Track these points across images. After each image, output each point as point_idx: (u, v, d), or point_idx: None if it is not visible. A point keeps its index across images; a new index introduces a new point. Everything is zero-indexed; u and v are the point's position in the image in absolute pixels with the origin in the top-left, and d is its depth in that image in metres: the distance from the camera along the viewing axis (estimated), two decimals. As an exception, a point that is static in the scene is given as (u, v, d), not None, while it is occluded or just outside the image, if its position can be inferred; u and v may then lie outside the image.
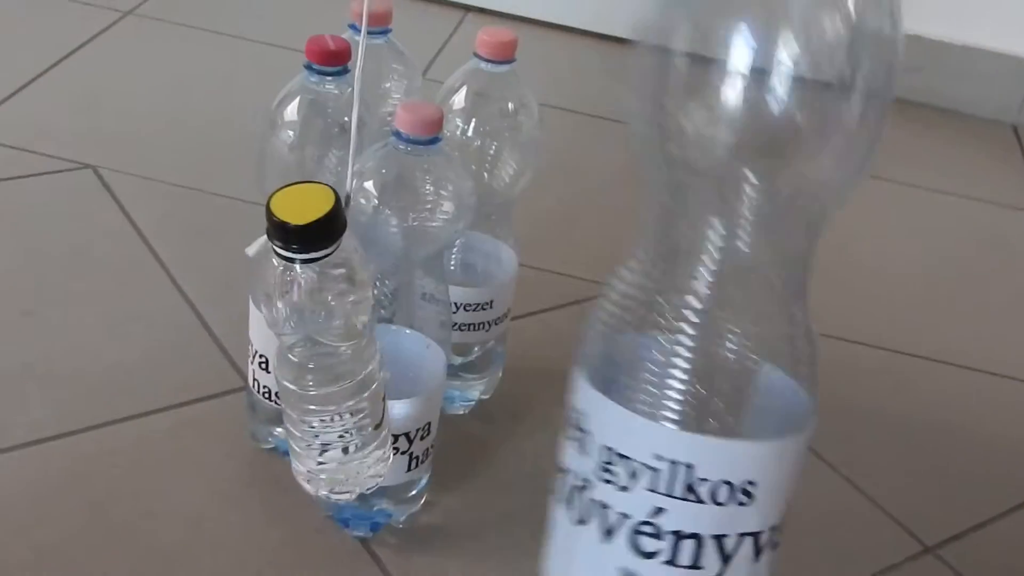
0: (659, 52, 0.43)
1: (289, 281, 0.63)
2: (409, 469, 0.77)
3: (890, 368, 1.10)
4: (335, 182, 0.75)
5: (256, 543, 0.78)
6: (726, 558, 0.46)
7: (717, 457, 0.47)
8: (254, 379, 0.81)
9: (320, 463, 0.71)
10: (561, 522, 0.51)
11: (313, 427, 0.69)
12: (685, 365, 0.49)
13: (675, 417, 0.48)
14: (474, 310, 0.87)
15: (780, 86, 0.41)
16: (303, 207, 0.62)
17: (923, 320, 1.19)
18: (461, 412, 0.92)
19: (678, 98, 0.43)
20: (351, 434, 0.69)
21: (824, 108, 0.43)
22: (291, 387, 0.68)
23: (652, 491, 0.46)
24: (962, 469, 0.99)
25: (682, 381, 0.49)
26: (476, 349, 0.91)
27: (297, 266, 0.62)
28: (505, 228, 0.89)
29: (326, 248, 0.62)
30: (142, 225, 1.08)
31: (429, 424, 0.77)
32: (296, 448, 0.71)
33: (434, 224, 0.73)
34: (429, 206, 0.73)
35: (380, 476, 0.73)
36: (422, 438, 0.76)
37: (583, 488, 0.49)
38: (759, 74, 0.42)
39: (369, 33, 0.82)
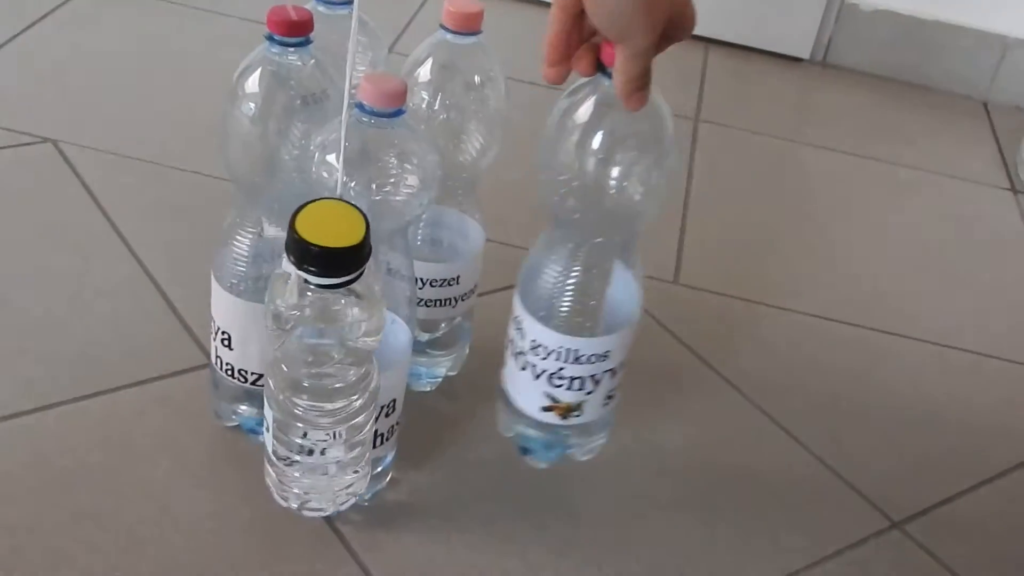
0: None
1: (307, 302, 0.62)
2: (374, 446, 0.76)
3: (861, 344, 1.10)
4: (299, 156, 0.75)
5: (223, 521, 0.78)
6: (597, 382, 0.80)
7: (590, 346, 0.78)
8: (216, 356, 0.80)
9: (296, 477, 0.70)
10: (511, 365, 0.81)
11: (297, 442, 0.68)
12: (570, 288, 0.79)
13: (565, 326, 0.79)
14: (440, 286, 0.86)
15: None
16: (332, 229, 0.61)
17: (894, 297, 1.19)
18: (427, 389, 0.92)
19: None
20: (335, 453, 0.69)
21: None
22: (281, 400, 0.67)
23: (556, 360, 0.78)
24: (930, 445, 0.99)
25: (568, 299, 0.79)
26: (443, 325, 0.90)
27: (317, 289, 0.61)
28: (471, 203, 0.88)
29: (354, 273, 0.62)
30: (104, 200, 1.07)
31: (394, 401, 0.76)
32: (274, 459, 0.70)
33: (398, 198, 0.72)
34: (393, 179, 0.72)
35: (355, 496, 0.73)
36: (387, 415, 0.76)
37: (522, 353, 0.80)
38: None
39: (334, 4, 0.81)
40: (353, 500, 0.74)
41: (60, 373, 0.87)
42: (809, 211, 1.33)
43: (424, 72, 0.81)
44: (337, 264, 0.61)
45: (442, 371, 0.92)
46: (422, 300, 0.85)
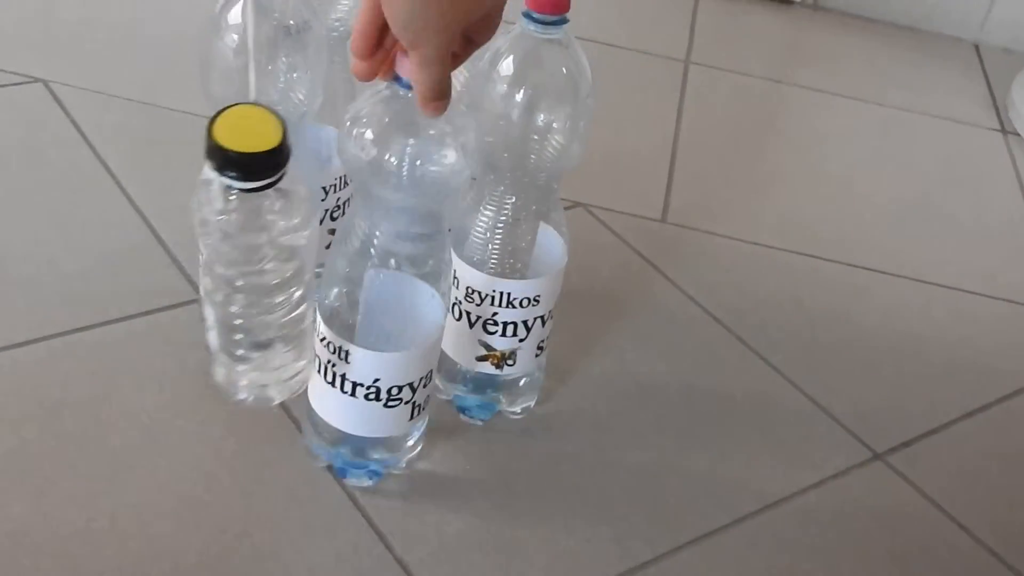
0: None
1: (233, 206, 0.62)
2: (412, 418, 0.77)
3: (846, 281, 1.11)
4: (283, 89, 0.75)
5: (209, 449, 0.79)
6: (529, 328, 0.82)
7: (521, 288, 0.79)
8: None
9: (244, 371, 0.70)
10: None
11: (239, 338, 0.69)
12: (501, 230, 0.79)
13: (497, 270, 0.80)
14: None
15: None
16: (251, 133, 0.61)
17: (880, 235, 1.20)
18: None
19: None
20: (280, 346, 0.69)
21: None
22: (220, 301, 0.67)
23: (490, 305, 0.79)
24: (912, 379, 1.00)
25: (499, 242, 0.79)
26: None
27: (239, 192, 0.61)
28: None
29: (275, 176, 0.61)
30: (94, 139, 1.07)
31: (432, 372, 0.76)
32: (222, 356, 0.70)
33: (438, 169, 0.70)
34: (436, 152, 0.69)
35: (302, 384, 0.73)
36: (425, 386, 0.76)
37: (457, 303, 0.80)
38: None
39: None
40: (304, 387, 0.74)
41: (51, 306, 0.88)
42: (797, 151, 1.33)
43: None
44: (258, 167, 0.61)
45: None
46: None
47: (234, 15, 0.73)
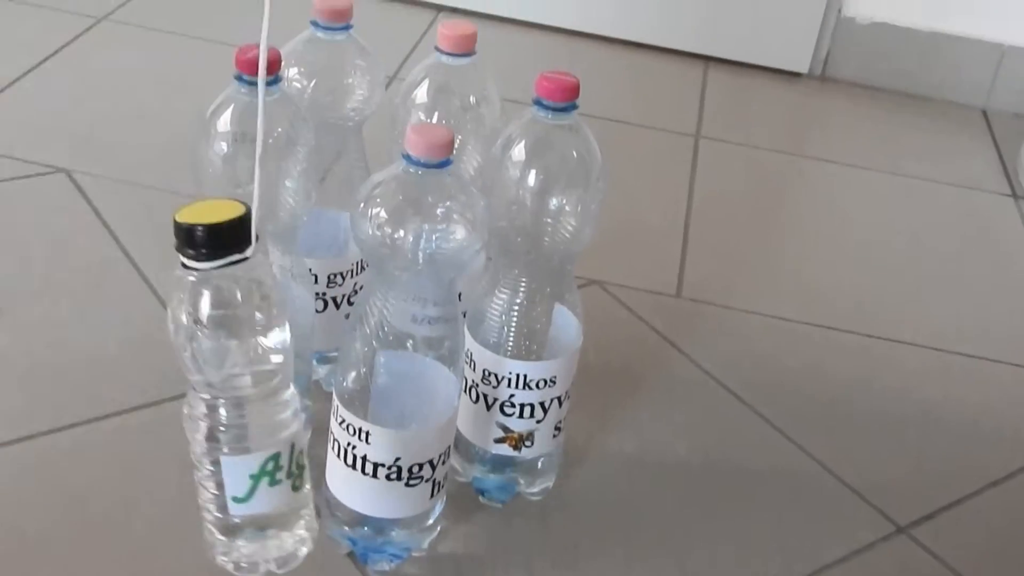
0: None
1: (200, 294, 0.61)
2: (432, 496, 0.77)
3: (863, 352, 1.11)
4: (272, 192, 0.74)
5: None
6: (546, 410, 0.82)
7: (538, 370, 0.80)
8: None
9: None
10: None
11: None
12: (516, 313, 0.80)
13: (513, 352, 0.81)
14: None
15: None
16: (212, 214, 0.61)
17: (896, 304, 1.20)
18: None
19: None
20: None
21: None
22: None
23: (507, 388, 0.80)
24: (934, 450, 1.00)
25: (515, 325, 0.81)
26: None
27: (207, 272, 0.60)
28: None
29: (237, 252, 0.61)
30: (115, 226, 1.09)
31: (449, 448, 0.77)
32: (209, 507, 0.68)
33: (449, 246, 0.70)
34: (442, 229, 0.70)
35: (300, 552, 0.70)
36: (443, 463, 0.76)
37: (474, 385, 0.81)
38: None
39: (330, 29, 0.83)
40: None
41: (74, 391, 0.89)
42: (810, 223, 1.34)
43: (420, 94, 0.83)
44: (216, 240, 0.60)
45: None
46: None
47: (223, 122, 0.73)
